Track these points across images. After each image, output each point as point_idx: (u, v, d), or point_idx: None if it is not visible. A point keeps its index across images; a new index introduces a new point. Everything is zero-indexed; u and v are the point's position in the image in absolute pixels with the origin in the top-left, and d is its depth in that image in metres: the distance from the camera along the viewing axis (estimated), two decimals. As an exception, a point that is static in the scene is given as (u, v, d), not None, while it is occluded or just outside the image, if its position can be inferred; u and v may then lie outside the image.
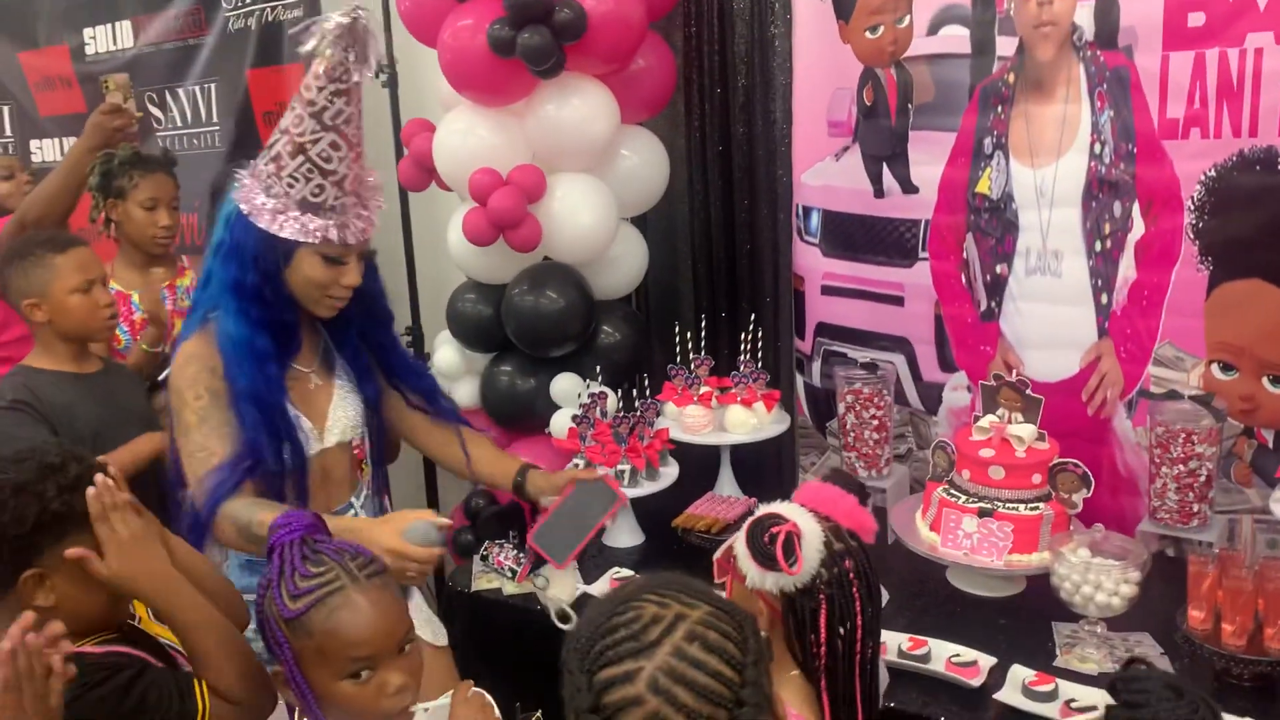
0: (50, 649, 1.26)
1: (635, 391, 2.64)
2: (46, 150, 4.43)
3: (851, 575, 1.47)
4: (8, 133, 4.55)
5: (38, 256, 2.36)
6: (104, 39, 4.02)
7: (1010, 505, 2.10)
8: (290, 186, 1.82)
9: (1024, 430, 2.14)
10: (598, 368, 2.67)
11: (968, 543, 2.11)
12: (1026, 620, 2.06)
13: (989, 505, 2.11)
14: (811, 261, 2.74)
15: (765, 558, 1.43)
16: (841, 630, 1.44)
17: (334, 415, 2.02)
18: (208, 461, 1.81)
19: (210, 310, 1.89)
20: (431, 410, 2.18)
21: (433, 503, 3.48)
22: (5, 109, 4.54)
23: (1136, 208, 2.20)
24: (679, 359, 2.69)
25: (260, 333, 1.86)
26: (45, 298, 2.34)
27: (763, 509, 1.53)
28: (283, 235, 1.83)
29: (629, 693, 1.01)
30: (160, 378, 2.66)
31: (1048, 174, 2.30)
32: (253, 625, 1.59)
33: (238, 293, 1.86)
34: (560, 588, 2.22)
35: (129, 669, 1.47)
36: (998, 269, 2.41)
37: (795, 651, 1.45)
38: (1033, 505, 2.10)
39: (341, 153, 1.82)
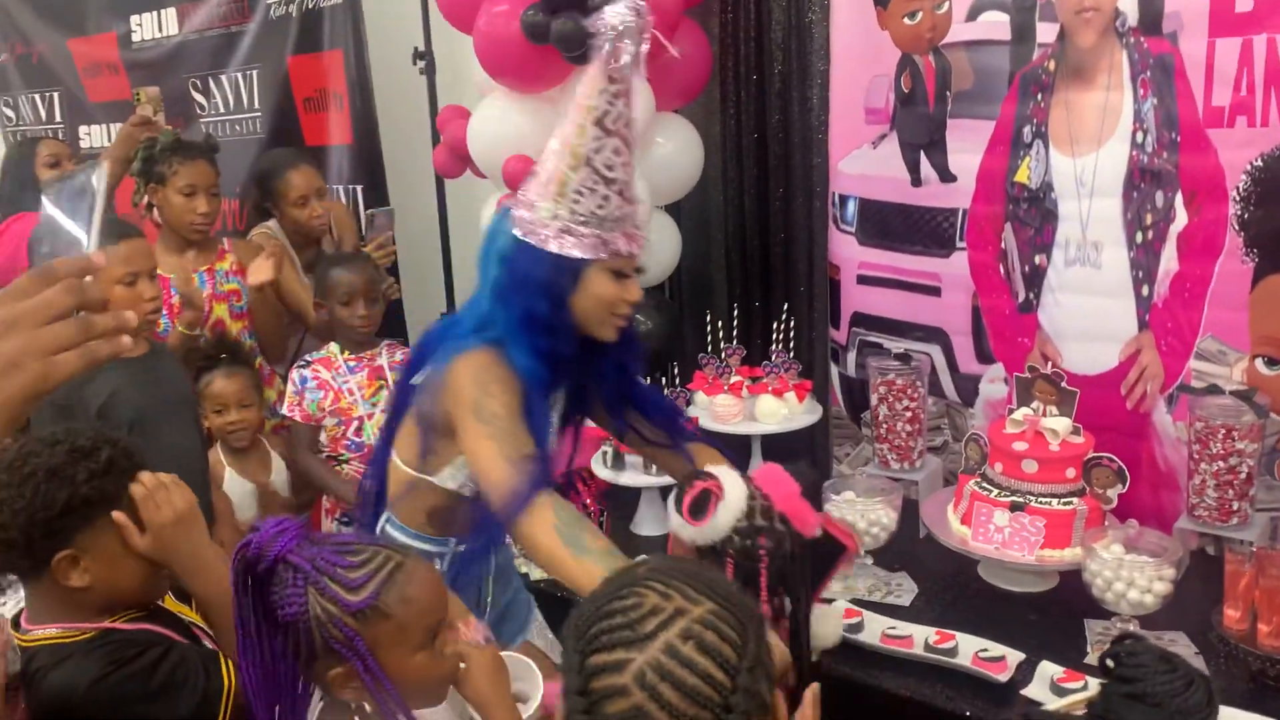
0: None
1: (666, 379, 2.63)
2: (95, 136, 4.51)
3: (762, 553, 1.54)
4: (58, 118, 4.64)
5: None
6: (150, 26, 4.08)
7: (1043, 499, 2.06)
8: (575, 203, 1.70)
9: (1058, 423, 2.10)
10: (629, 355, 2.66)
11: (999, 537, 2.08)
12: (1057, 616, 2.03)
13: (1021, 499, 2.07)
14: (847, 250, 2.71)
15: (680, 506, 1.56)
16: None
17: None
18: (515, 440, 1.67)
19: (491, 341, 1.77)
20: (672, 444, 2.02)
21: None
22: (55, 95, 4.63)
23: (1179, 198, 2.15)
24: (710, 347, 2.67)
25: (544, 366, 1.76)
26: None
27: (709, 468, 1.64)
28: (576, 255, 1.71)
29: (616, 682, 0.99)
30: (202, 361, 2.71)
31: (1088, 163, 2.26)
32: None
33: (528, 327, 1.74)
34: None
35: (158, 646, 1.50)
36: (1036, 260, 2.37)
37: None
38: (1066, 500, 2.06)
39: (623, 158, 1.72)
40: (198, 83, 3.98)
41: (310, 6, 3.52)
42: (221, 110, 3.94)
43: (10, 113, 4.83)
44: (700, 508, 1.56)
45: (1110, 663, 1.28)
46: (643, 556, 1.15)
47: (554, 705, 1.22)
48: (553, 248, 1.71)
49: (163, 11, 3.99)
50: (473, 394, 1.72)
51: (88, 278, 0.91)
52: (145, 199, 3.00)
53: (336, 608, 1.32)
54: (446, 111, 2.95)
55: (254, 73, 3.79)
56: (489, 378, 1.73)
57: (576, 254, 1.71)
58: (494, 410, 1.70)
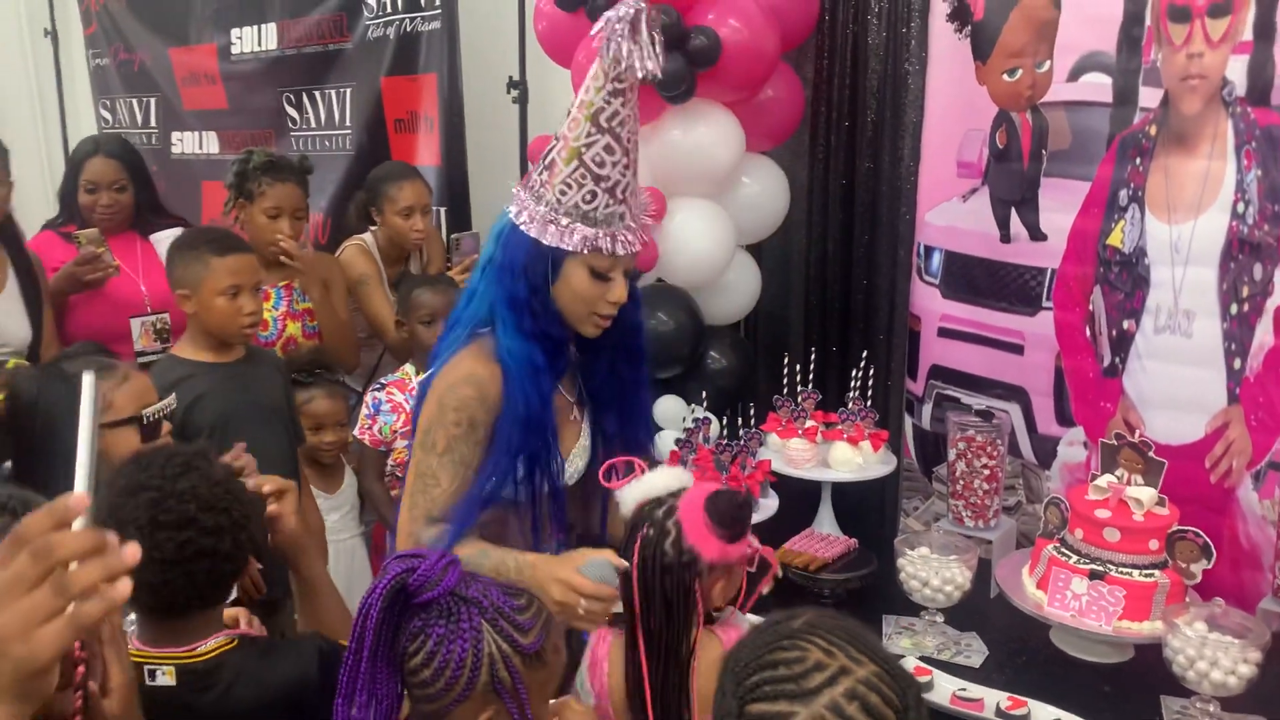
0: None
1: (739, 420, 2.63)
2: (187, 142, 4.62)
3: (636, 547, 1.60)
4: (153, 123, 4.77)
5: (198, 252, 2.45)
6: (250, 40, 4.18)
7: (1124, 570, 2.03)
8: (563, 194, 1.75)
9: (1143, 493, 2.06)
10: (703, 392, 2.67)
11: (1076, 604, 2.04)
12: (1133, 690, 1.98)
13: (1101, 568, 2.04)
14: (929, 302, 2.70)
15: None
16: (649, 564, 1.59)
17: (578, 451, 1.94)
18: (430, 490, 1.78)
19: (478, 327, 1.84)
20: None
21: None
22: (152, 101, 4.76)
23: (1279, 272, 2.11)
24: (785, 390, 2.67)
25: (536, 346, 1.80)
26: (195, 292, 2.43)
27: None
28: (551, 243, 1.76)
29: None
30: (300, 372, 2.76)
31: (1185, 231, 2.23)
32: None
33: (511, 307, 1.80)
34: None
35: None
36: (1125, 324, 2.34)
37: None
38: (1147, 571, 2.02)
39: (615, 157, 1.74)
40: (291, 97, 4.07)
41: (408, 30, 3.59)
42: (313, 126, 4.02)
43: (108, 115, 4.97)
44: (615, 473, 1.69)
45: None
46: (798, 610, 1.14)
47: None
48: (534, 233, 1.76)
49: (264, 26, 4.09)
50: (432, 414, 1.80)
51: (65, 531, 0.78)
52: (234, 211, 3.07)
53: (510, 648, 1.30)
54: (538, 142, 2.99)
55: (347, 91, 3.87)
56: (460, 397, 1.78)
57: (555, 243, 1.75)
58: (435, 440, 1.78)
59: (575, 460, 1.91)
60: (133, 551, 0.78)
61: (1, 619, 0.75)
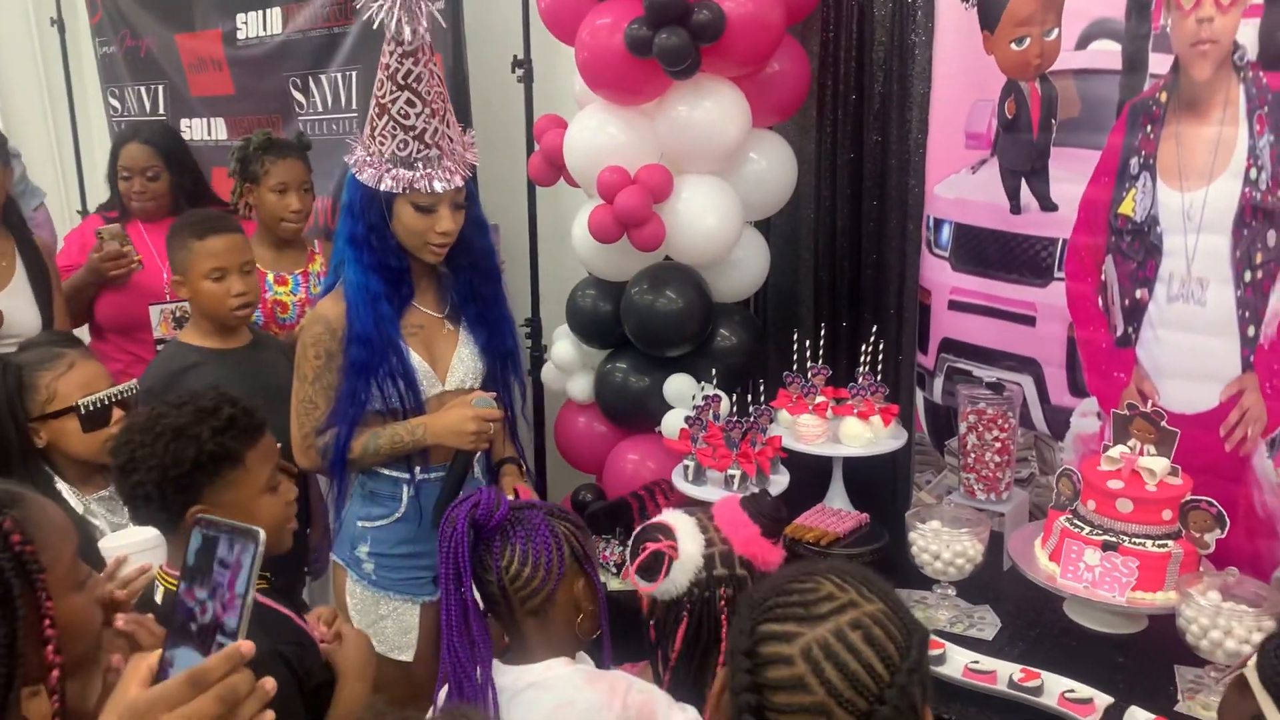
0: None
1: (749, 396, 2.62)
2: (196, 129, 4.62)
3: (723, 603, 1.61)
4: (161, 111, 4.76)
5: (182, 238, 2.47)
6: (255, 24, 4.16)
7: (1137, 540, 2.02)
8: (381, 144, 2.10)
9: (1156, 464, 2.05)
10: (713, 370, 2.66)
11: (1089, 576, 2.04)
12: (1146, 661, 1.98)
13: (1114, 539, 2.03)
14: (939, 275, 2.68)
15: (634, 568, 1.66)
16: (697, 646, 1.63)
17: (457, 359, 2.26)
18: (311, 413, 2.18)
19: (339, 264, 2.19)
20: (489, 368, 2.34)
21: (541, 494, 3.52)
22: (160, 88, 4.75)
23: (1293, 238, 2.09)
24: (795, 366, 2.66)
25: (373, 275, 2.14)
26: (186, 278, 2.45)
27: (664, 517, 1.70)
28: (374, 187, 2.10)
29: (782, 651, 1.06)
30: None
31: (1197, 198, 2.21)
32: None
33: (353, 243, 2.15)
34: None
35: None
36: (1137, 294, 2.32)
37: (653, 643, 1.67)
38: (1161, 542, 2.02)
39: (417, 109, 2.07)
40: (298, 81, 4.05)
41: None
42: (319, 109, 4.01)
43: (116, 103, 4.97)
44: (652, 569, 1.62)
45: None
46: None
47: None
48: (364, 178, 2.12)
49: (268, 10, 4.07)
50: (299, 354, 2.19)
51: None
52: (242, 198, 3.08)
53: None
54: (544, 121, 2.98)
55: (353, 74, 3.85)
56: (313, 335, 2.16)
57: (375, 185, 2.10)
58: (304, 373, 2.18)
59: (455, 369, 2.26)
60: (272, 684, 0.93)
61: None
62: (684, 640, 1.60)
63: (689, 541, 1.62)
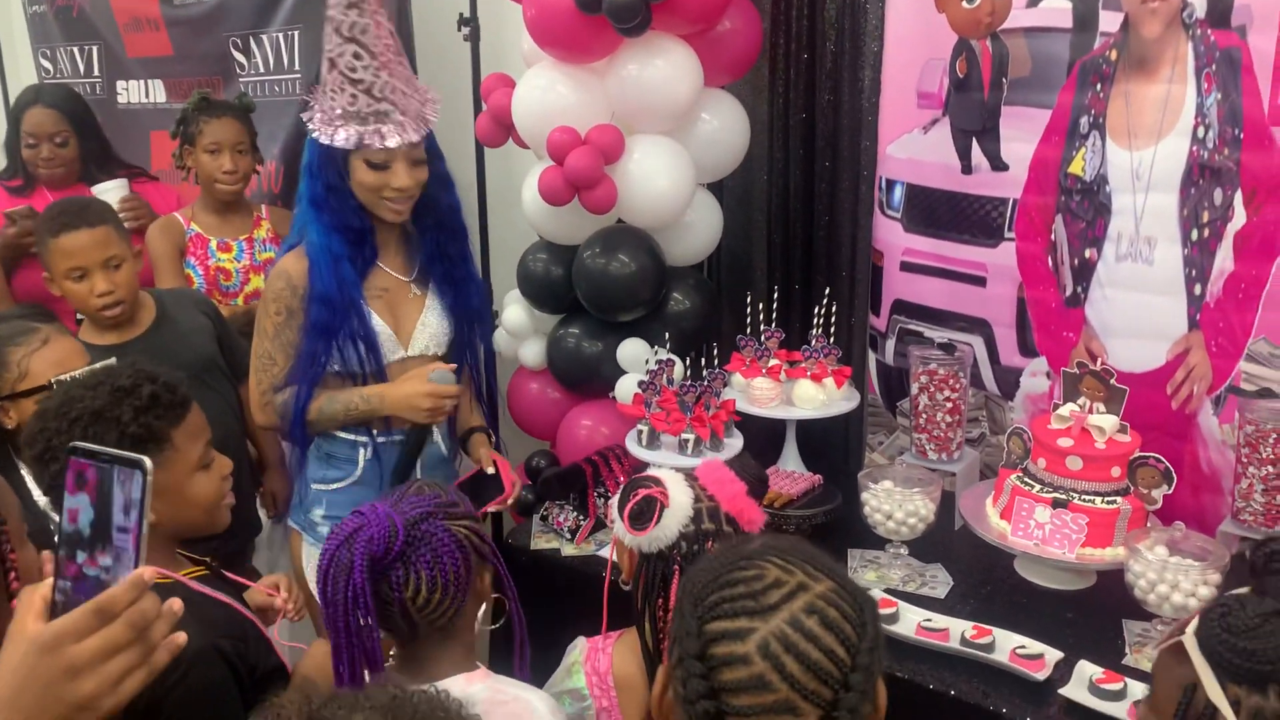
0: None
1: (703, 360, 2.61)
2: (133, 91, 4.48)
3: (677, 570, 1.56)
4: (96, 72, 4.61)
5: (40, 234, 2.38)
6: (192, -18, 4.04)
7: (1086, 497, 2.04)
8: (332, 100, 2.05)
9: (1105, 421, 2.07)
10: (666, 334, 2.65)
11: (1039, 533, 2.06)
12: (1096, 616, 2.01)
13: (1064, 496, 2.05)
14: (892, 236, 2.67)
15: (625, 514, 1.58)
16: None
17: (421, 325, 2.22)
18: (270, 369, 2.15)
19: (303, 226, 2.14)
20: (456, 330, 2.30)
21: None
22: (94, 49, 4.60)
23: (1239, 196, 2.10)
24: (749, 330, 2.65)
25: (334, 236, 2.10)
26: (51, 276, 2.36)
27: (652, 470, 1.68)
28: (326, 143, 2.06)
29: (737, 650, 1.00)
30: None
31: (1145, 157, 2.21)
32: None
33: (314, 204, 2.11)
34: None
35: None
36: (1086, 253, 2.33)
37: (639, 606, 1.58)
38: (1109, 499, 2.04)
39: (364, 62, 2.02)
40: (238, 41, 3.94)
41: (355, -32, 3.48)
42: (261, 70, 3.90)
43: (49, 65, 4.81)
44: (643, 515, 1.57)
45: (1258, 561, 1.16)
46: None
47: None
48: (319, 137, 2.08)
49: (206, -32, 3.96)
50: (260, 309, 2.16)
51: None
52: (185, 162, 3.00)
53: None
54: (491, 80, 2.92)
55: (295, 33, 3.75)
56: (275, 291, 2.13)
57: (326, 141, 2.07)
58: (264, 328, 2.14)
59: (419, 335, 2.22)
60: (179, 605, 0.93)
61: (94, 681, 0.87)
62: (677, 595, 1.55)
63: (679, 491, 1.59)
